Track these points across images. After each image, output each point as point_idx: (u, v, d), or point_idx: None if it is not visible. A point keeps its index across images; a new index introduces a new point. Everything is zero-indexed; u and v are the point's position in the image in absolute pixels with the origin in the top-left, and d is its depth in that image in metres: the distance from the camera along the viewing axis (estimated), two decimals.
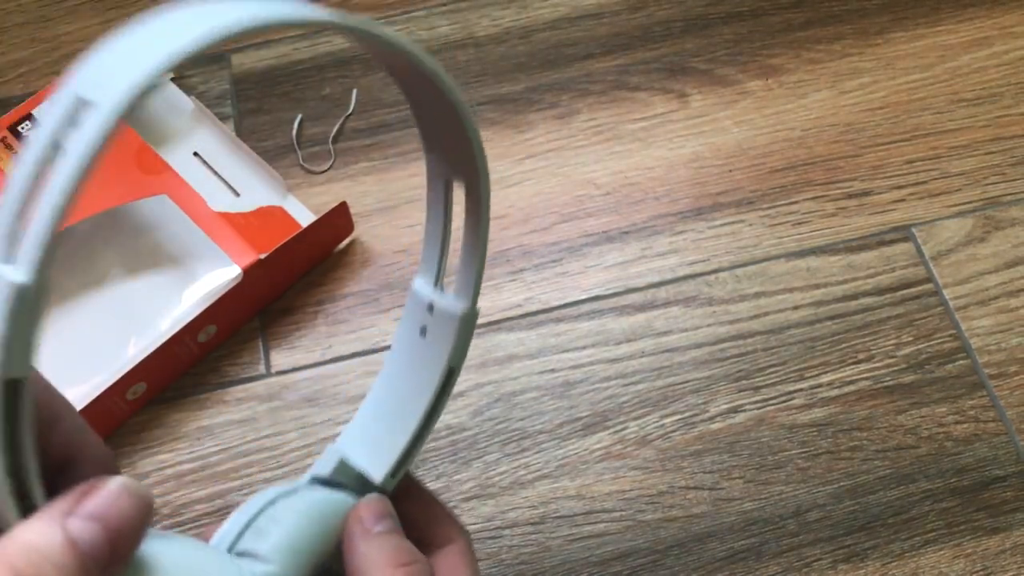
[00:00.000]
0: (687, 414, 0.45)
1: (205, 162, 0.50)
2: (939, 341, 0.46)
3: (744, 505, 0.43)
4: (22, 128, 0.49)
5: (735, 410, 0.45)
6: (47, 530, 0.19)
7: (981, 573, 0.41)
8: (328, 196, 0.51)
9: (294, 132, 0.53)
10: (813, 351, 0.46)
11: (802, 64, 0.55)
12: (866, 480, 0.43)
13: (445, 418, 0.45)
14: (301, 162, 0.52)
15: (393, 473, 0.29)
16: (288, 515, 0.26)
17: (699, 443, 0.44)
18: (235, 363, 0.47)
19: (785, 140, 0.52)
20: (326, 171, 0.52)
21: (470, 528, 0.38)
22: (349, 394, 0.46)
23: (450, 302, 0.28)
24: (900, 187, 0.51)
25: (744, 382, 0.45)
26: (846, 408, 0.45)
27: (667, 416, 0.45)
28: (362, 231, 0.50)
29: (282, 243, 0.45)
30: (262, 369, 0.47)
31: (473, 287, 0.28)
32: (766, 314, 0.47)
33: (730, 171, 0.51)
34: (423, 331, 0.29)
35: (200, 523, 0.43)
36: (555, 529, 0.42)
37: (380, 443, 0.29)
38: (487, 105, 0.54)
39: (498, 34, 0.57)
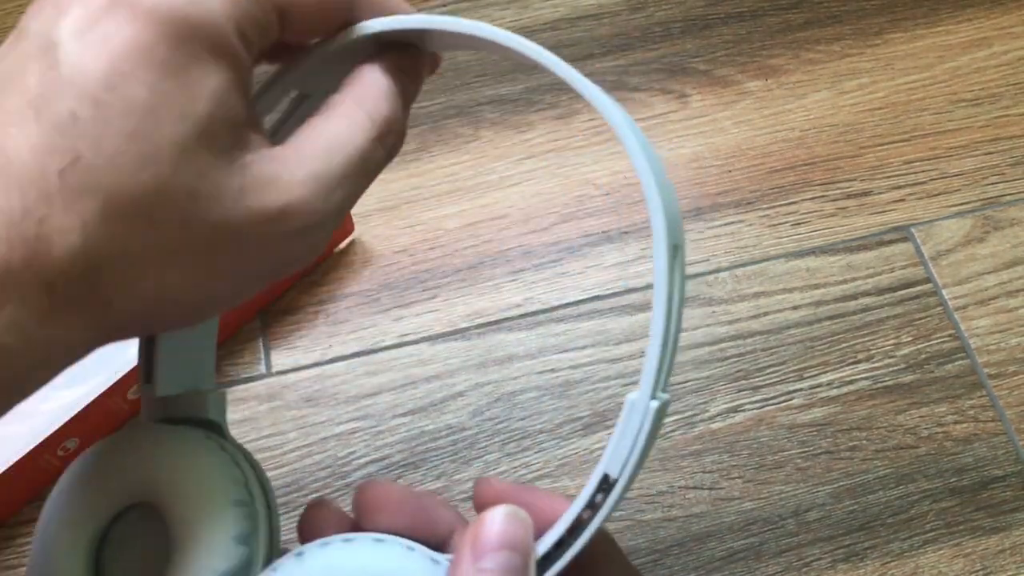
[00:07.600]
0: (687, 414, 0.45)
1: None
2: (938, 341, 0.46)
3: (743, 505, 0.43)
4: None
5: (735, 410, 0.45)
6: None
7: (980, 573, 0.41)
8: None
9: None
10: (812, 351, 0.46)
11: (801, 65, 0.55)
12: (865, 480, 0.43)
13: (445, 418, 0.45)
14: None
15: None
16: None
17: (699, 443, 0.44)
18: (235, 363, 0.47)
19: (784, 140, 0.52)
20: None
21: None
22: (349, 394, 0.46)
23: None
24: (899, 187, 0.51)
25: (744, 382, 0.46)
26: (845, 408, 0.45)
27: (667, 416, 0.45)
28: (362, 231, 0.50)
29: None
30: (262, 369, 0.47)
31: (652, 372, 0.23)
32: (765, 314, 0.47)
33: (729, 171, 0.51)
34: None
35: None
36: None
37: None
38: (487, 105, 0.54)
39: None
